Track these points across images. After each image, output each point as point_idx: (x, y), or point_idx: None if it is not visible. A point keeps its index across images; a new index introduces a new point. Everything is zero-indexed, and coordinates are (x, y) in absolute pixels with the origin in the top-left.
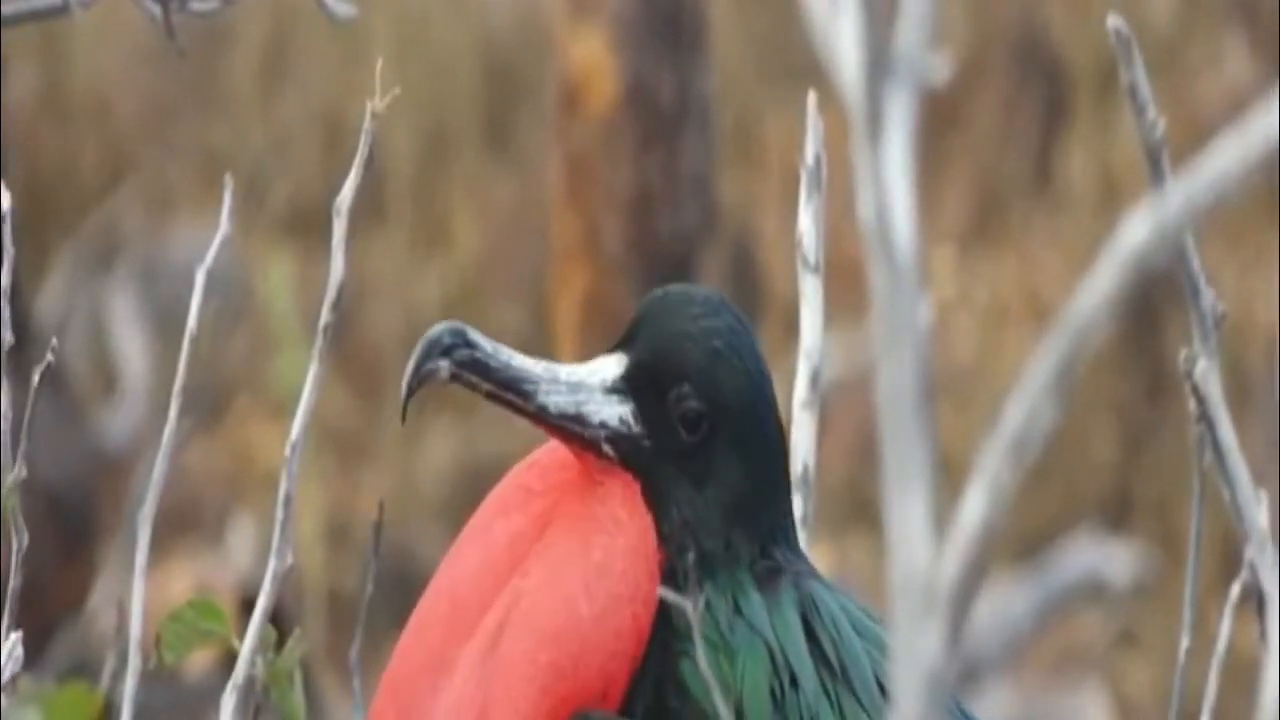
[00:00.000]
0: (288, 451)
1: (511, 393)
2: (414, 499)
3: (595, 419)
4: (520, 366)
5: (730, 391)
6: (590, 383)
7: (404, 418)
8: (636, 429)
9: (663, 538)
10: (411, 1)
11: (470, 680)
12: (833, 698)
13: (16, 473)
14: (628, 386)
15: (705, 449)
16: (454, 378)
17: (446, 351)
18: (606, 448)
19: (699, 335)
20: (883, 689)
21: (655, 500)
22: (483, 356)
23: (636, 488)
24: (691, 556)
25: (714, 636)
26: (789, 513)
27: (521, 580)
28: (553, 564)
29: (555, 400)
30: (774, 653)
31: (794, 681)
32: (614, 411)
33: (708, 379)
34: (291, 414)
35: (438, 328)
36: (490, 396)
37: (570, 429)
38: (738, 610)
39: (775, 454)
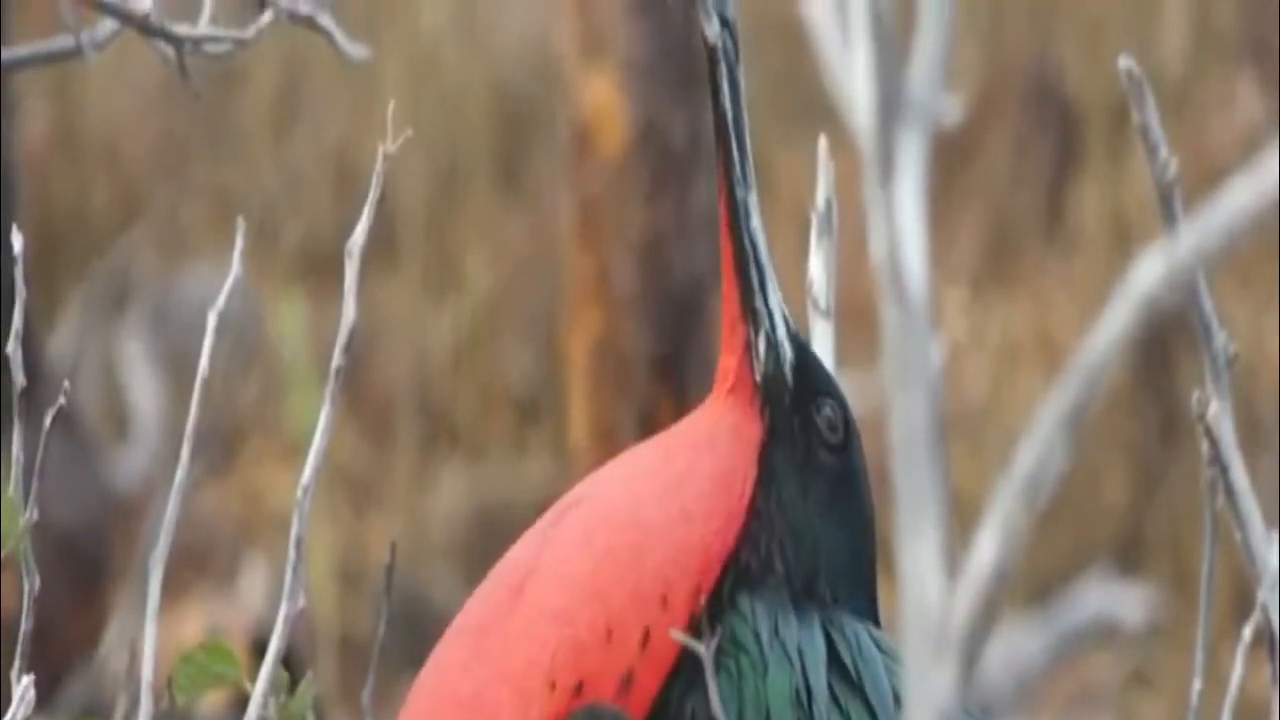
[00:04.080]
0: (299, 493)
1: (740, 153)
2: (426, 542)
3: (773, 300)
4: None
5: (857, 438)
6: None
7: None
8: (789, 372)
9: (754, 508)
10: (423, 42)
11: (528, 545)
12: (844, 712)
13: (28, 514)
14: (795, 338)
15: (826, 471)
16: (712, 51)
17: (729, 29)
18: (763, 342)
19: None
20: (897, 699)
21: (766, 465)
22: (742, 83)
23: (758, 432)
24: (756, 560)
25: (754, 652)
26: (867, 602)
27: (607, 471)
28: (632, 463)
29: (759, 230)
30: (795, 668)
31: (810, 695)
32: (783, 324)
33: (848, 412)
34: (303, 456)
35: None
36: (717, 120)
37: (749, 272)
38: (776, 631)
39: (871, 541)
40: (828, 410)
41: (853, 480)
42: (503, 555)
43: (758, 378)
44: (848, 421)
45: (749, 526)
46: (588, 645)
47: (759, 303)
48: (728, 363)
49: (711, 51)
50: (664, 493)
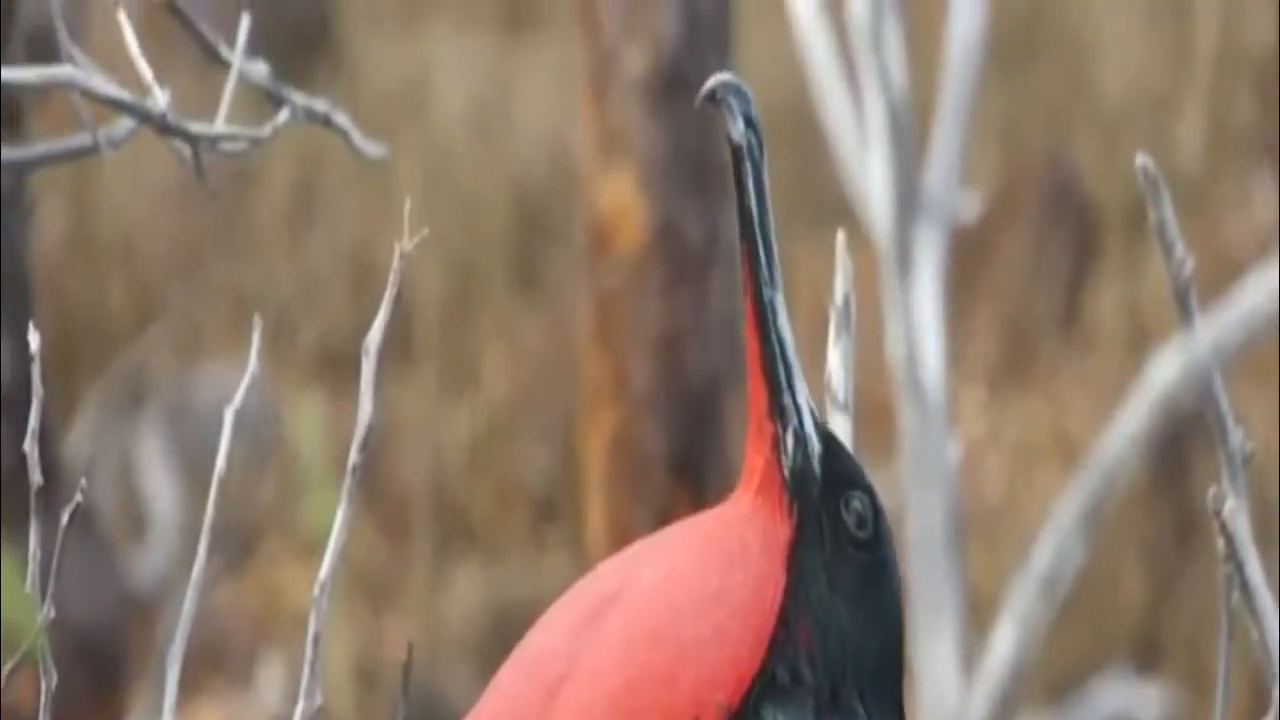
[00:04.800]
0: (316, 591)
1: (766, 251)
2: (443, 640)
3: (801, 396)
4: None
5: (887, 528)
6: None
7: (694, 103)
8: (817, 466)
9: (783, 615)
10: (439, 141)
11: (559, 638)
12: None
13: (45, 613)
14: (823, 429)
15: (855, 566)
16: (737, 150)
17: (753, 128)
18: (791, 437)
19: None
20: None
21: (794, 568)
22: (767, 182)
23: (786, 532)
24: (783, 670)
25: None
26: (894, 705)
27: (644, 563)
28: (667, 562)
29: (786, 329)
30: None
31: None
32: (811, 422)
33: (877, 503)
34: (320, 554)
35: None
36: (742, 219)
37: (777, 371)
38: None
39: (900, 636)
40: (856, 503)
41: (882, 574)
42: None
43: (786, 474)
44: (877, 512)
45: (778, 636)
46: None
47: (787, 400)
48: (754, 461)
49: (736, 151)
50: (701, 607)
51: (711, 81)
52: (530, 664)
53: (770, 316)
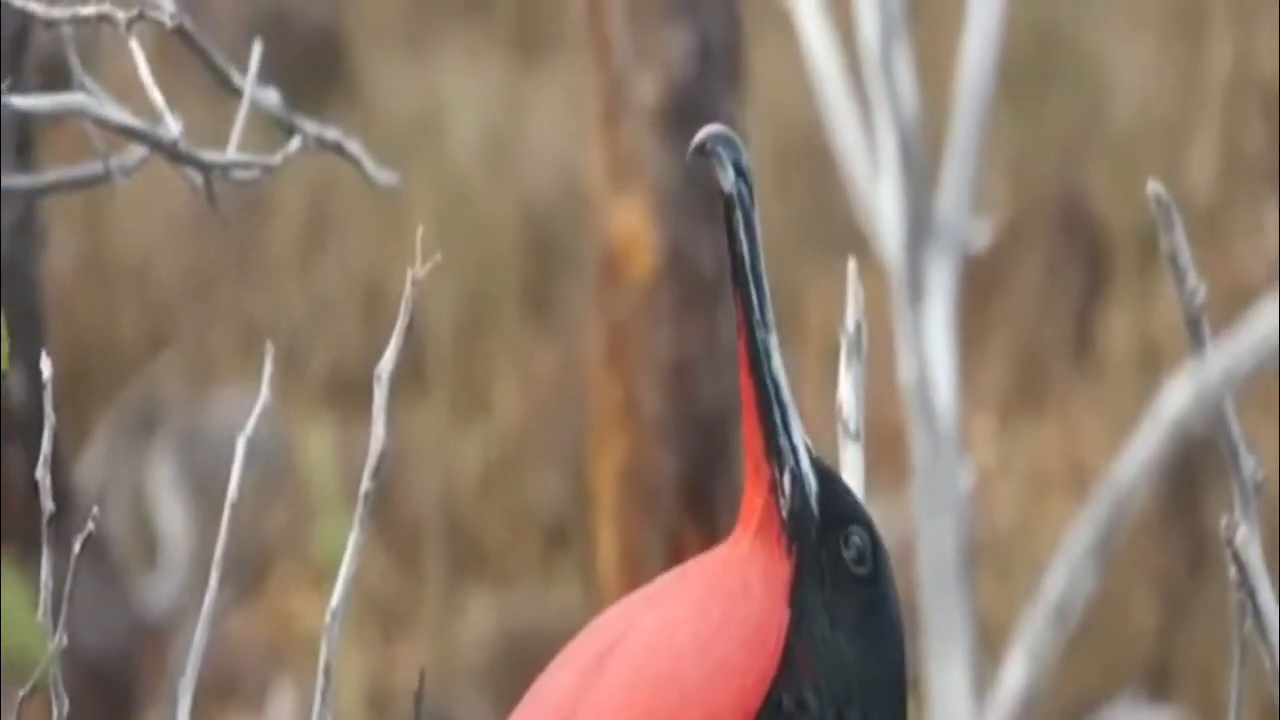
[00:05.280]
0: (328, 619)
1: (759, 296)
2: (454, 668)
3: (796, 436)
4: (769, 295)
5: (886, 561)
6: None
7: (687, 157)
8: (815, 505)
9: (788, 647)
10: (451, 169)
11: (563, 684)
12: None
13: (58, 641)
14: (820, 466)
15: (855, 602)
16: (728, 200)
17: (743, 177)
18: (788, 478)
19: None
20: None
21: (796, 606)
22: (759, 229)
23: (786, 571)
24: (788, 701)
25: None
26: None
27: (646, 609)
28: (668, 605)
29: (780, 371)
30: None
31: None
32: (807, 461)
33: (875, 536)
34: (332, 581)
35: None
36: (734, 265)
37: (772, 413)
38: None
39: (903, 667)
40: (855, 539)
41: (882, 607)
42: (531, 682)
43: (784, 514)
44: (875, 545)
45: (782, 672)
46: None
47: (783, 441)
48: (753, 502)
49: (727, 200)
50: (703, 647)
51: (701, 134)
52: (536, 714)
53: (764, 359)
